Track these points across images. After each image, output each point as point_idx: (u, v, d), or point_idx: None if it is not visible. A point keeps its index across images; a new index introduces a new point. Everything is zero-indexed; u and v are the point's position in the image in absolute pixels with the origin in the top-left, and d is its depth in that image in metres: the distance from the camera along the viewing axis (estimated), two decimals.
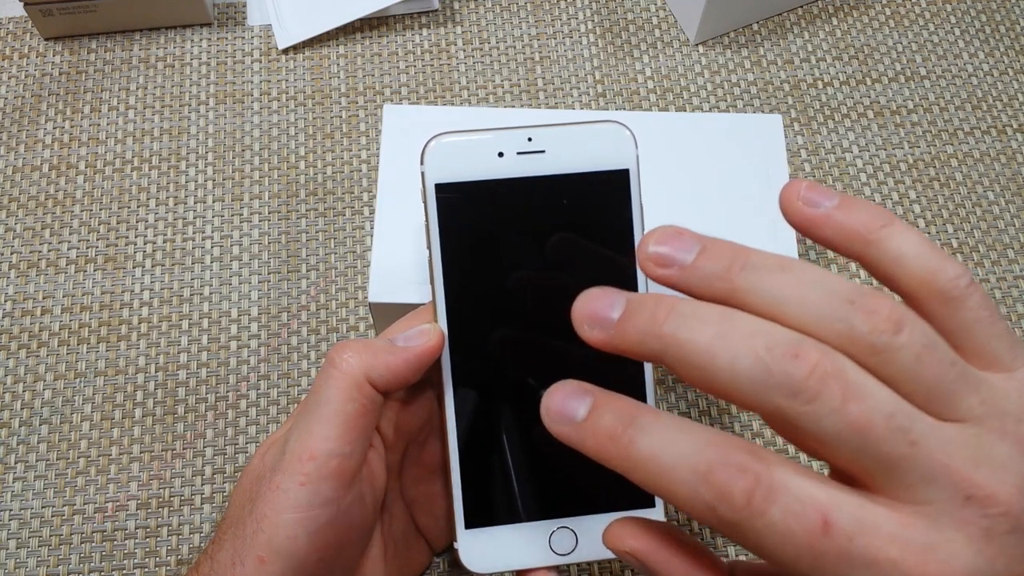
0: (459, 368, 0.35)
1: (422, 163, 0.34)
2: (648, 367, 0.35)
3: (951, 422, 0.24)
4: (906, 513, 0.24)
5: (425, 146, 0.35)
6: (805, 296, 0.24)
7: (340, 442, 0.33)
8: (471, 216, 0.35)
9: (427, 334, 0.34)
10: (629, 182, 0.35)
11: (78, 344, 0.49)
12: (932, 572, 0.23)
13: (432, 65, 0.58)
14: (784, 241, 0.46)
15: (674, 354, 0.25)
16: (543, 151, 0.35)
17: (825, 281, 0.25)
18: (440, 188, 0.34)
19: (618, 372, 0.36)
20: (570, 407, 0.27)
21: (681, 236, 0.26)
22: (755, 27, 0.60)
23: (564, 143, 0.35)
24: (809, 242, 0.53)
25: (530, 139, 0.35)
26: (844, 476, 0.25)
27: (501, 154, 0.35)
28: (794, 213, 0.27)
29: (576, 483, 0.36)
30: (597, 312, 0.27)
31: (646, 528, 0.28)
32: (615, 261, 0.35)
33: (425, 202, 0.35)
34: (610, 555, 0.36)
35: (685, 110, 0.57)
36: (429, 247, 0.35)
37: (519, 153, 0.35)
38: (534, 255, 0.35)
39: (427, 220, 0.35)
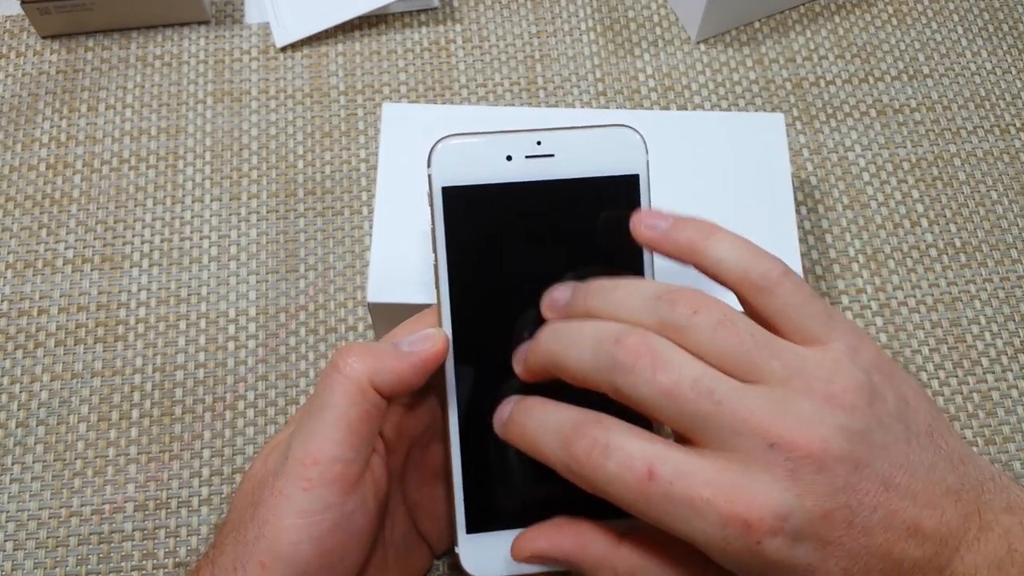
0: (463, 373, 0.35)
1: (429, 165, 0.34)
2: None
3: (755, 384, 0.29)
4: (720, 460, 0.28)
5: (432, 148, 0.34)
6: (629, 300, 0.31)
7: (343, 447, 0.32)
8: (478, 220, 0.34)
9: (432, 339, 0.34)
10: (639, 188, 0.35)
11: (75, 345, 0.49)
12: (740, 506, 0.27)
13: (431, 63, 0.58)
14: (785, 240, 0.45)
15: (551, 363, 0.32)
16: (552, 155, 0.34)
17: (643, 287, 0.32)
18: (447, 191, 0.34)
19: None
20: (501, 411, 0.34)
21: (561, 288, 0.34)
22: (757, 25, 0.59)
23: (574, 147, 0.34)
24: (807, 228, 0.52)
25: (539, 143, 0.34)
26: (679, 437, 0.30)
27: (509, 157, 0.34)
28: (640, 236, 0.33)
29: (577, 488, 0.35)
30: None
31: (536, 532, 0.34)
32: (625, 273, 0.35)
33: (431, 205, 0.34)
34: None
35: (686, 109, 0.56)
36: (435, 251, 0.34)
37: (528, 157, 0.34)
38: (541, 260, 0.35)
39: (433, 223, 0.34)
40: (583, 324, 0.31)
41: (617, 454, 0.29)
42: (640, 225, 0.33)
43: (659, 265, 0.35)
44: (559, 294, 0.34)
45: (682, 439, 0.30)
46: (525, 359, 0.34)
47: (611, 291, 0.32)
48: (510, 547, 0.34)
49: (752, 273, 0.31)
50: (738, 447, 0.28)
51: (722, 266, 0.31)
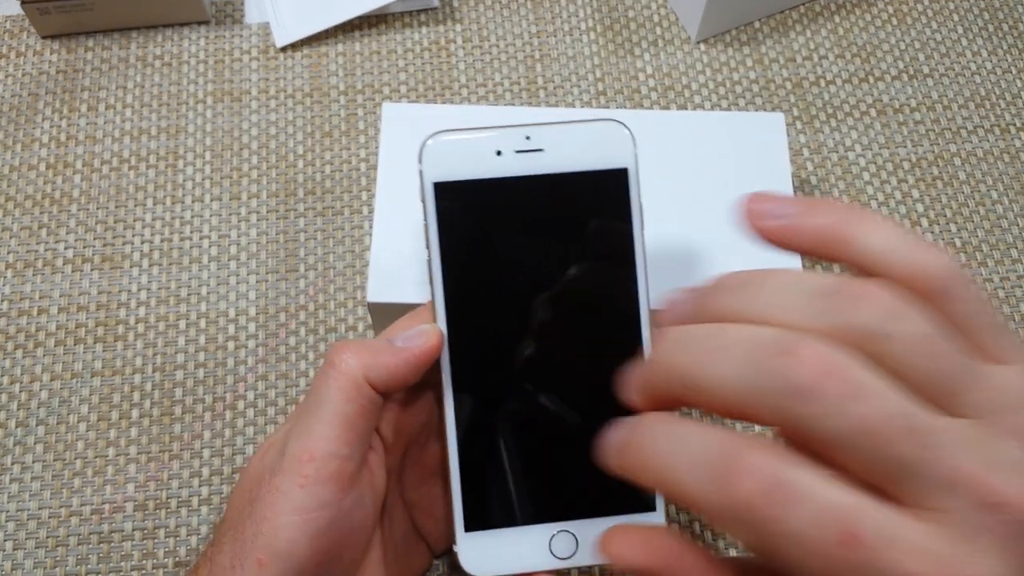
0: (459, 369, 0.35)
1: (420, 161, 0.34)
2: None
3: (958, 418, 0.23)
4: (927, 522, 0.22)
5: (423, 144, 0.34)
6: (789, 297, 0.24)
7: (339, 443, 0.32)
8: (470, 215, 0.34)
9: (426, 334, 0.34)
10: (628, 181, 0.35)
11: (75, 344, 0.49)
12: None
13: (431, 63, 0.58)
14: None
15: (681, 383, 0.25)
16: (541, 150, 0.35)
17: (805, 278, 0.24)
18: (438, 187, 0.34)
19: (614, 367, 0.35)
20: (611, 437, 0.27)
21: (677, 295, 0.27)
22: (757, 25, 0.59)
23: (563, 141, 0.35)
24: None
25: (528, 137, 0.34)
26: (863, 483, 0.23)
27: (499, 152, 0.34)
28: (759, 228, 0.27)
29: (577, 486, 0.35)
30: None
31: (648, 538, 0.27)
32: (616, 266, 0.35)
33: (423, 201, 0.34)
34: None
35: (687, 108, 0.56)
36: (428, 247, 0.35)
37: (517, 152, 0.34)
38: (533, 254, 0.35)
39: (425, 219, 0.34)
40: (724, 328, 0.24)
41: (804, 505, 0.22)
42: (755, 216, 0.27)
43: (652, 257, 0.35)
44: (680, 295, 0.27)
45: (865, 484, 0.23)
46: (640, 381, 0.27)
47: (760, 284, 0.25)
48: (600, 537, 0.29)
49: (925, 271, 0.24)
50: (949, 506, 0.22)
51: (881, 260, 0.24)
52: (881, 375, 0.23)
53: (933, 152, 0.56)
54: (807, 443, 0.23)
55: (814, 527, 0.22)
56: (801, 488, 0.22)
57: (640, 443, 0.25)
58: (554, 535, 0.35)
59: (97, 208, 0.53)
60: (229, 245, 0.52)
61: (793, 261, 0.45)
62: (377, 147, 0.54)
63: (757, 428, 0.44)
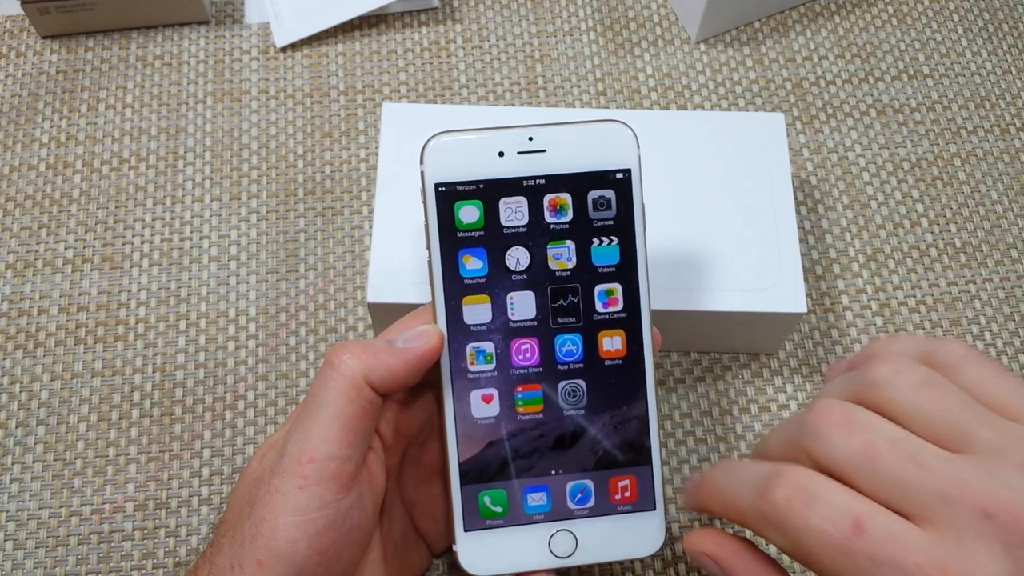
0: (459, 370, 0.35)
1: (421, 162, 0.34)
2: (649, 372, 0.35)
3: (963, 453, 0.26)
4: (928, 529, 0.26)
5: (425, 145, 0.34)
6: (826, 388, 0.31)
7: (339, 444, 0.32)
8: (471, 216, 0.34)
9: (427, 335, 0.34)
10: (631, 182, 0.35)
11: (75, 344, 0.49)
12: None
13: (432, 63, 0.58)
14: (785, 239, 0.45)
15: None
16: (544, 151, 0.34)
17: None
18: (440, 187, 0.34)
19: (620, 377, 0.35)
20: (689, 484, 0.33)
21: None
22: (757, 25, 0.59)
23: (565, 142, 0.35)
24: (807, 228, 0.52)
25: (531, 138, 0.34)
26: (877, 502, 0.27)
27: (502, 153, 0.34)
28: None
29: (576, 485, 0.35)
30: None
31: (725, 537, 0.31)
32: (617, 266, 0.35)
33: (424, 202, 0.34)
34: (610, 558, 0.36)
35: (687, 109, 0.56)
36: (428, 247, 0.34)
37: (520, 152, 0.34)
38: (534, 255, 0.35)
39: (426, 220, 0.34)
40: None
41: (822, 505, 0.27)
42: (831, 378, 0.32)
43: (652, 256, 0.35)
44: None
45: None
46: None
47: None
48: (687, 534, 0.32)
49: (936, 355, 0.29)
50: (948, 517, 0.26)
51: (904, 354, 0.30)
52: (880, 417, 0.28)
53: (933, 152, 0.56)
54: (827, 473, 0.28)
55: (830, 523, 0.26)
56: (821, 493, 0.27)
57: (711, 476, 0.31)
58: (554, 534, 0.35)
59: (97, 208, 0.53)
60: (229, 245, 0.52)
61: (793, 259, 0.45)
62: (377, 147, 0.54)
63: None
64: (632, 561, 0.45)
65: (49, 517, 0.45)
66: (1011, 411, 0.28)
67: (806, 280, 0.51)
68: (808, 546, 0.27)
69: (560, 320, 0.35)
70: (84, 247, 0.51)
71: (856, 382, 0.29)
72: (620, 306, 0.35)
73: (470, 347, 0.35)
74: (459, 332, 0.35)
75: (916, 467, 0.26)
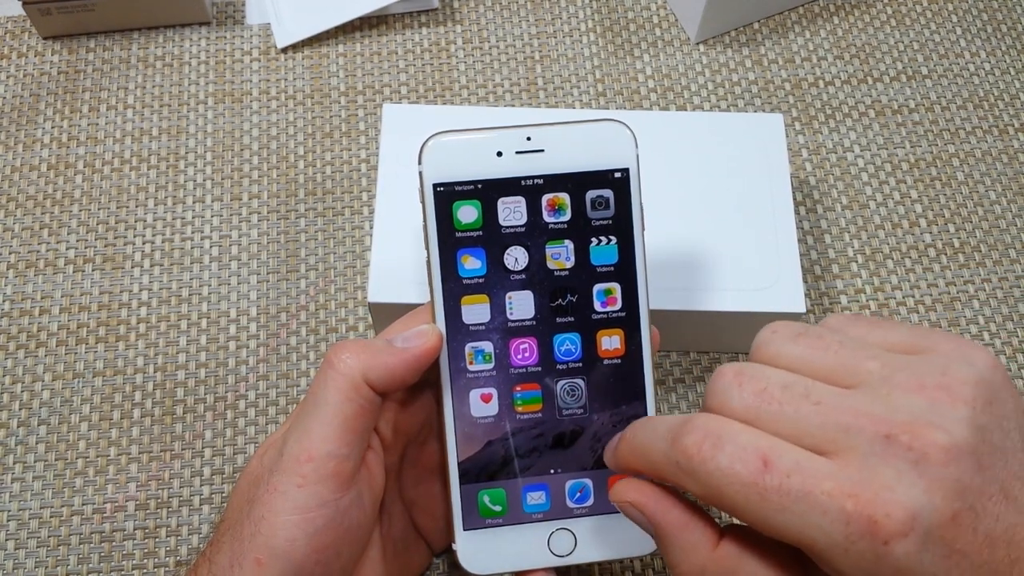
0: (458, 369, 0.35)
1: (420, 162, 0.34)
2: (648, 371, 0.35)
3: (855, 388, 0.27)
4: (835, 459, 0.26)
5: (423, 145, 0.34)
6: None
7: (338, 443, 0.32)
8: (470, 216, 0.35)
9: (425, 335, 0.34)
10: (629, 181, 0.35)
11: (76, 344, 0.49)
12: (865, 502, 0.25)
13: (432, 64, 0.58)
14: (785, 240, 0.45)
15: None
16: (542, 150, 0.35)
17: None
18: (438, 188, 0.34)
19: (619, 376, 0.35)
20: (610, 444, 0.33)
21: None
22: (756, 26, 0.60)
23: (563, 142, 0.35)
24: (806, 228, 0.52)
25: (529, 138, 0.35)
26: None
27: (500, 153, 0.34)
28: None
29: (576, 484, 0.35)
30: None
31: (647, 484, 0.31)
32: (616, 266, 0.35)
33: (423, 202, 0.34)
34: (609, 556, 0.36)
35: (686, 109, 0.56)
36: (427, 247, 0.35)
37: (518, 152, 0.34)
38: (533, 255, 0.35)
39: (425, 220, 0.35)
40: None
41: (729, 445, 0.27)
42: None
43: (651, 256, 0.35)
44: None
45: None
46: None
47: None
48: (612, 485, 0.32)
49: (813, 326, 0.30)
50: (850, 445, 0.26)
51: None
52: (771, 367, 0.29)
53: (932, 153, 0.56)
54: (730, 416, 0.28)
55: (739, 462, 0.26)
56: (727, 434, 0.27)
57: (628, 435, 0.31)
58: (553, 533, 0.35)
59: (99, 208, 0.53)
60: (230, 245, 0.52)
61: (793, 259, 0.45)
62: (377, 148, 0.54)
63: None
64: (631, 560, 0.45)
65: (51, 516, 0.45)
66: (891, 347, 0.28)
67: (805, 280, 0.51)
68: (721, 488, 0.27)
69: (559, 319, 0.35)
70: (86, 247, 0.52)
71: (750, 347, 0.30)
72: (619, 305, 0.35)
73: (469, 347, 0.35)
74: (458, 332, 0.35)
75: (811, 404, 0.27)
